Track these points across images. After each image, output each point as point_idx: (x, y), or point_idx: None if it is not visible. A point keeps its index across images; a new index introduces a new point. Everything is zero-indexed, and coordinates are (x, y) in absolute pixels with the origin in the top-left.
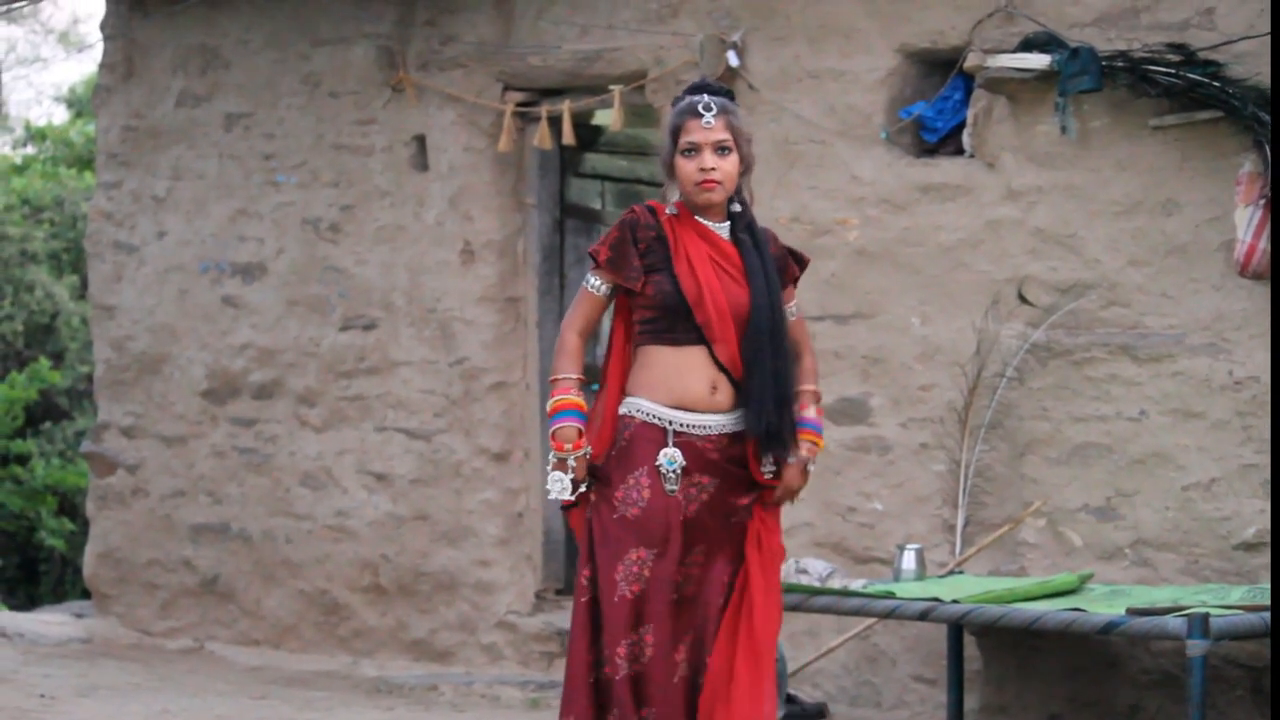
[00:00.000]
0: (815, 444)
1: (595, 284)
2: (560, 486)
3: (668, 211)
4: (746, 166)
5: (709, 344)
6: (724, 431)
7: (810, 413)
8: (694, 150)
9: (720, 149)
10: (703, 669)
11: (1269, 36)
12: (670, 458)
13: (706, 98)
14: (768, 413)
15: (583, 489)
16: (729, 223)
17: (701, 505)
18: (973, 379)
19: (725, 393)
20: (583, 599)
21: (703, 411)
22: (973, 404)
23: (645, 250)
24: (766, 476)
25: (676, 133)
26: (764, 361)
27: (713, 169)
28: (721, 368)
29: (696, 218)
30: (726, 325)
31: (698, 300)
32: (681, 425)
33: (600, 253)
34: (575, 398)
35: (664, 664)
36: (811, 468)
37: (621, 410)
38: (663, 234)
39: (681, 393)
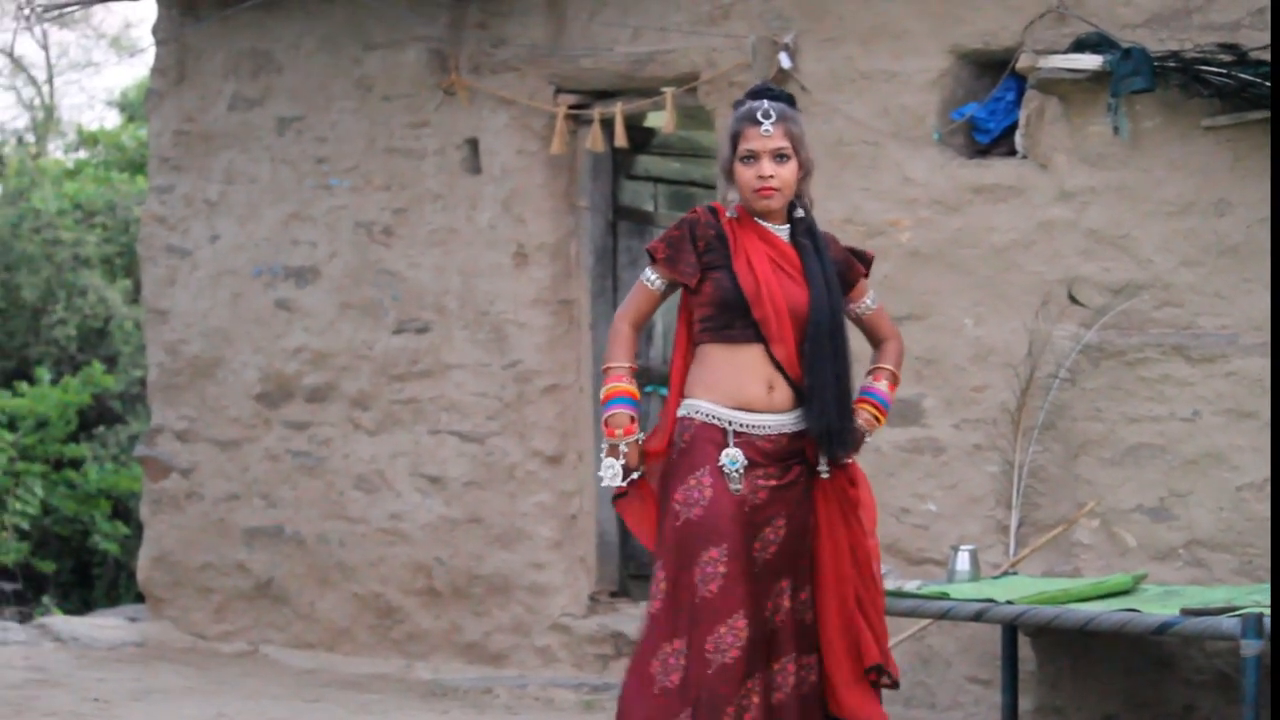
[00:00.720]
0: (877, 416)
1: (650, 278)
2: (612, 473)
3: (728, 214)
4: (806, 172)
5: (766, 342)
6: (783, 431)
7: (881, 385)
8: (752, 158)
9: (778, 156)
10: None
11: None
12: (732, 457)
13: (766, 104)
14: (829, 413)
15: (635, 476)
16: (789, 226)
17: (770, 491)
18: (1025, 380)
19: (783, 392)
20: (654, 606)
21: (761, 411)
22: (1025, 405)
23: (705, 249)
24: (823, 477)
25: (736, 139)
26: (824, 362)
27: (770, 176)
28: (778, 367)
29: (757, 220)
30: (784, 324)
31: (756, 296)
32: (741, 425)
33: (658, 249)
34: (627, 385)
35: (759, 621)
36: (869, 438)
37: (680, 412)
38: (723, 233)
39: (738, 392)
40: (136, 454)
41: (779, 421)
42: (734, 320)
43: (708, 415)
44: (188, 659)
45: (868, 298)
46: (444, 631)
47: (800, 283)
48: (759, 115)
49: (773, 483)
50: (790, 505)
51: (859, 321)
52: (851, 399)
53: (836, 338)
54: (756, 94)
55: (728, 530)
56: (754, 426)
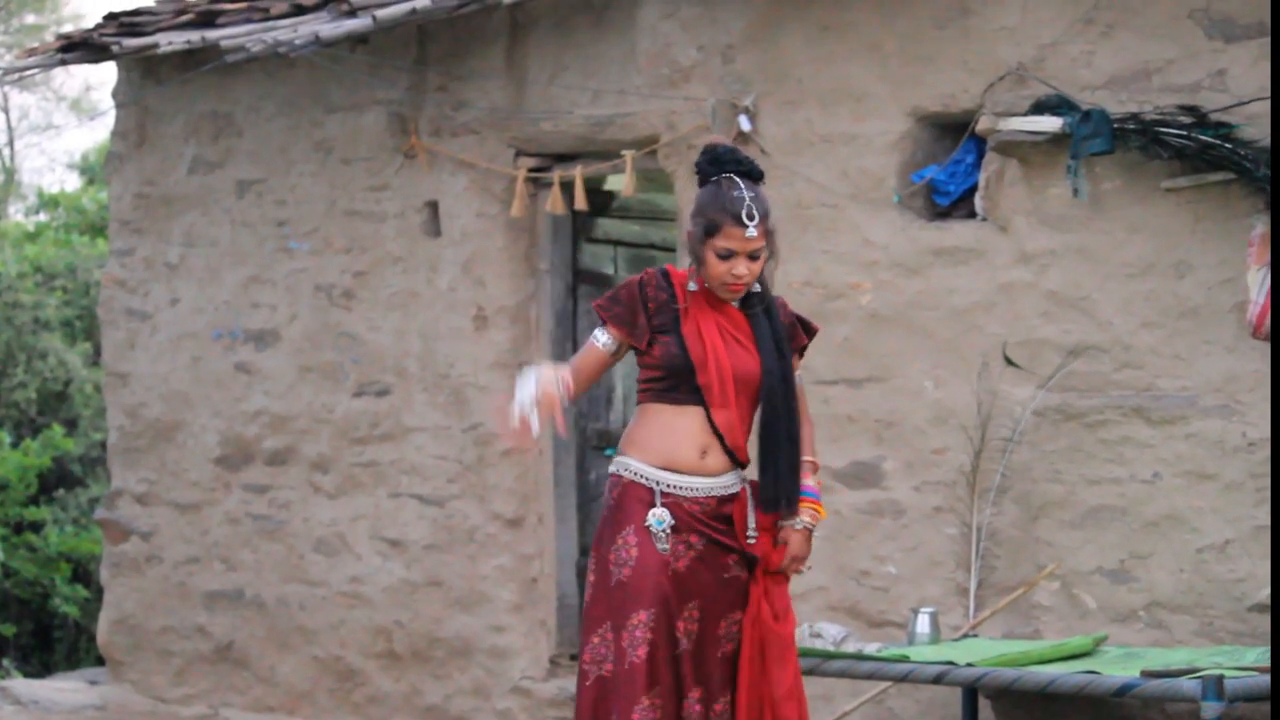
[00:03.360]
0: (817, 512)
1: (601, 339)
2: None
3: (690, 287)
4: (771, 256)
5: (707, 408)
6: (711, 494)
7: (810, 481)
8: (729, 255)
9: (754, 255)
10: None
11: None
12: (659, 517)
13: (748, 200)
14: (784, 481)
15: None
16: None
17: (692, 560)
18: (978, 442)
19: (716, 458)
20: (586, 682)
21: (690, 474)
22: (980, 467)
23: (655, 311)
24: (750, 543)
25: (713, 230)
26: (780, 431)
27: (742, 276)
28: (716, 433)
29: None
30: (728, 390)
31: (702, 363)
32: (669, 486)
33: (608, 310)
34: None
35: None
36: (814, 531)
37: (612, 469)
38: (674, 297)
39: (670, 454)
40: (97, 517)
41: (708, 485)
42: (679, 384)
43: (636, 474)
44: None
45: (796, 374)
46: (404, 694)
47: (751, 350)
48: (744, 216)
49: (694, 553)
50: (710, 588)
51: None
52: (799, 463)
53: (789, 403)
54: (720, 160)
55: (651, 594)
56: (681, 488)
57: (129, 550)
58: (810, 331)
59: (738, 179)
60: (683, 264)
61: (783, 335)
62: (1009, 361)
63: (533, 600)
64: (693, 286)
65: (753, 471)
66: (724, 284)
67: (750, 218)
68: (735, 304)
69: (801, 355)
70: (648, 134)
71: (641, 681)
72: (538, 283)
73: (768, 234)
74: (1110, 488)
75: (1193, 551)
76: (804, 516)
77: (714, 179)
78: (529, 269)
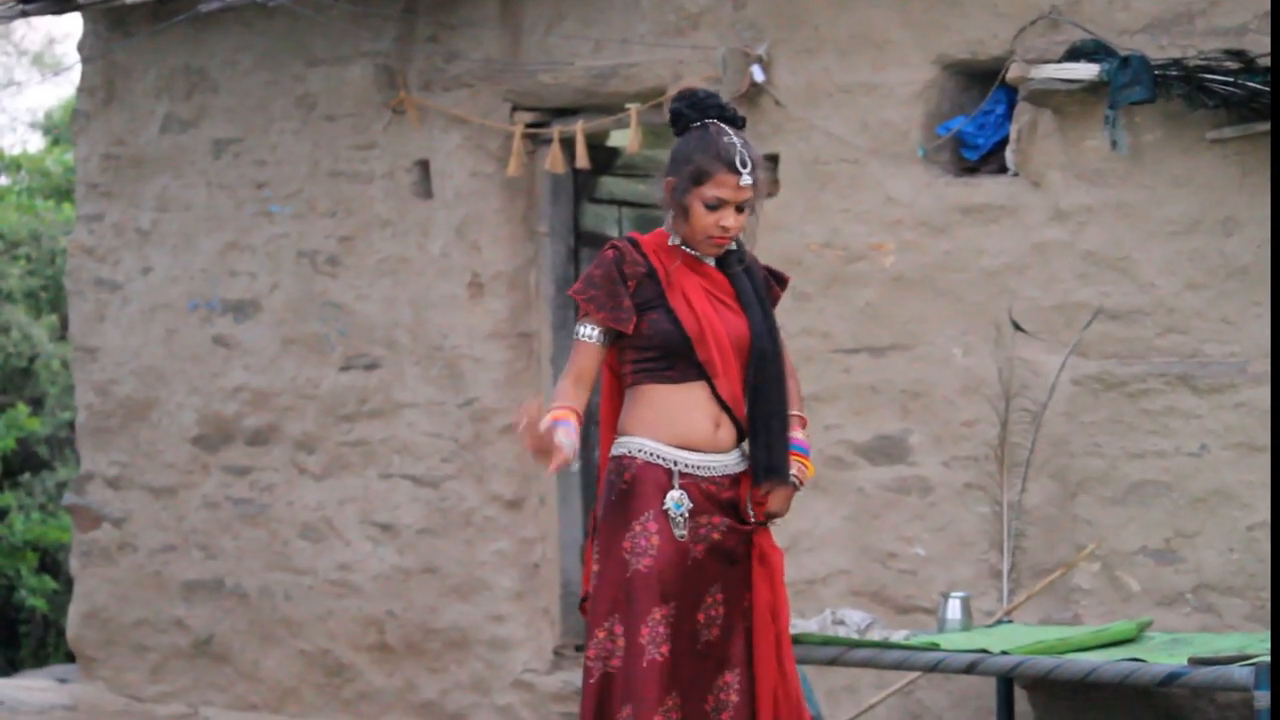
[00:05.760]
0: (805, 466)
1: (588, 333)
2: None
3: (671, 242)
4: (754, 211)
5: (710, 380)
6: (726, 473)
7: (799, 434)
8: (718, 205)
9: (741, 207)
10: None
11: None
12: (677, 500)
13: (739, 147)
14: (777, 446)
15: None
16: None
17: (710, 545)
18: (1003, 413)
19: (727, 430)
20: (591, 679)
21: (707, 451)
22: (1009, 440)
23: (636, 288)
24: (753, 519)
25: (702, 177)
26: (770, 392)
27: (729, 228)
28: (722, 404)
29: (685, 249)
30: (729, 360)
31: (699, 337)
32: (687, 466)
33: (585, 297)
34: (568, 412)
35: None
36: (799, 488)
37: (617, 451)
38: (652, 269)
39: (686, 431)
40: (65, 503)
41: (723, 462)
42: (676, 360)
43: (651, 455)
44: None
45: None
46: (397, 690)
47: (737, 311)
48: (738, 162)
49: (715, 535)
50: (727, 571)
51: None
52: (789, 425)
53: (779, 364)
54: (701, 105)
55: (674, 588)
56: (699, 467)
57: (100, 538)
58: (782, 282)
59: (724, 125)
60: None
61: (764, 293)
62: (1016, 327)
63: (534, 587)
64: (675, 240)
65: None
66: (709, 237)
67: (744, 164)
68: (712, 263)
69: (774, 306)
70: (653, 86)
71: (664, 681)
72: (537, 246)
73: (759, 189)
74: (1154, 461)
75: (1243, 529)
76: (791, 470)
77: (697, 124)
78: (527, 232)
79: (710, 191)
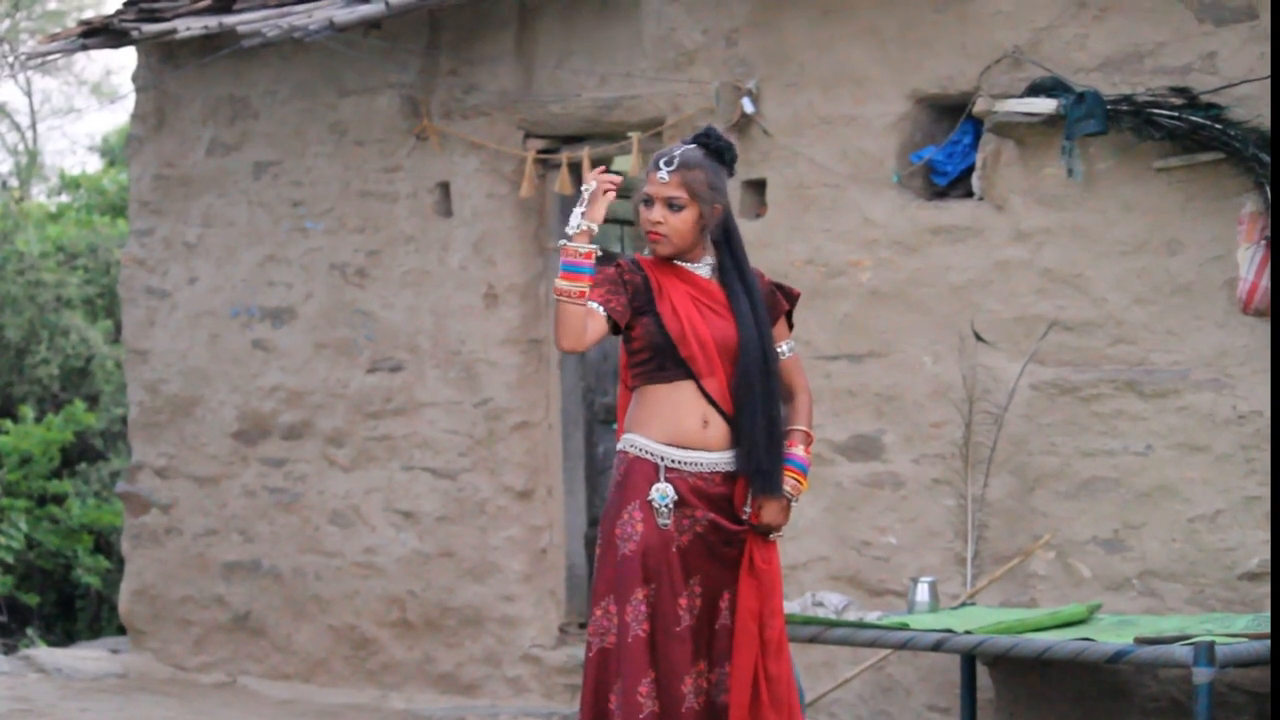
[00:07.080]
0: (799, 483)
1: (595, 307)
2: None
3: (645, 253)
4: (706, 223)
5: (697, 378)
6: (715, 470)
7: (799, 451)
8: (649, 202)
9: (671, 204)
10: (713, 695)
11: (1269, 79)
12: (661, 492)
13: (674, 151)
14: (758, 450)
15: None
16: (710, 264)
17: (695, 537)
18: (967, 415)
19: (718, 428)
20: (590, 653)
21: (695, 448)
22: (973, 440)
23: (633, 295)
24: (747, 516)
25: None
26: (755, 398)
27: (659, 223)
28: (712, 402)
29: (676, 261)
30: (712, 359)
31: (680, 336)
32: (673, 461)
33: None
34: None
35: (673, 696)
36: (795, 502)
37: (619, 448)
38: (647, 280)
39: (674, 428)
40: (118, 490)
41: (712, 460)
42: (665, 362)
43: (641, 450)
44: (168, 690)
45: (785, 344)
46: (417, 662)
47: (728, 318)
48: (660, 162)
49: (698, 529)
50: (711, 564)
51: None
52: (782, 435)
53: (767, 374)
54: (698, 134)
55: (654, 570)
56: (685, 463)
57: (149, 522)
58: (790, 297)
59: (689, 144)
60: None
61: (761, 304)
62: (978, 337)
63: (542, 570)
64: (647, 252)
65: None
66: (646, 233)
67: (668, 163)
68: (705, 274)
69: (790, 321)
70: (653, 116)
71: (644, 658)
72: (546, 261)
73: (689, 188)
74: (1104, 460)
75: (1184, 521)
76: (785, 485)
77: None
78: (538, 248)
79: (644, 190)
